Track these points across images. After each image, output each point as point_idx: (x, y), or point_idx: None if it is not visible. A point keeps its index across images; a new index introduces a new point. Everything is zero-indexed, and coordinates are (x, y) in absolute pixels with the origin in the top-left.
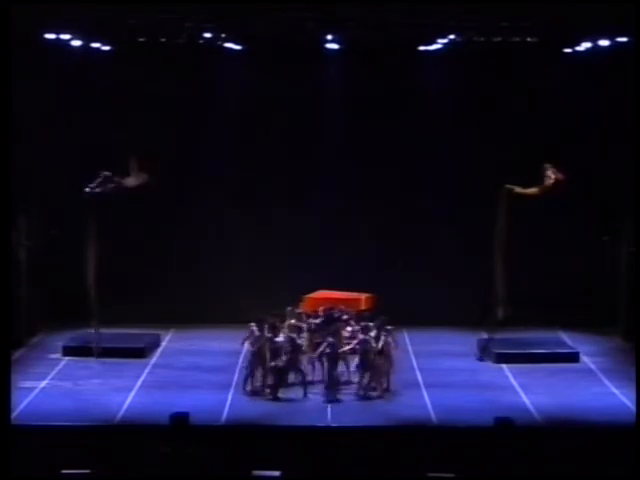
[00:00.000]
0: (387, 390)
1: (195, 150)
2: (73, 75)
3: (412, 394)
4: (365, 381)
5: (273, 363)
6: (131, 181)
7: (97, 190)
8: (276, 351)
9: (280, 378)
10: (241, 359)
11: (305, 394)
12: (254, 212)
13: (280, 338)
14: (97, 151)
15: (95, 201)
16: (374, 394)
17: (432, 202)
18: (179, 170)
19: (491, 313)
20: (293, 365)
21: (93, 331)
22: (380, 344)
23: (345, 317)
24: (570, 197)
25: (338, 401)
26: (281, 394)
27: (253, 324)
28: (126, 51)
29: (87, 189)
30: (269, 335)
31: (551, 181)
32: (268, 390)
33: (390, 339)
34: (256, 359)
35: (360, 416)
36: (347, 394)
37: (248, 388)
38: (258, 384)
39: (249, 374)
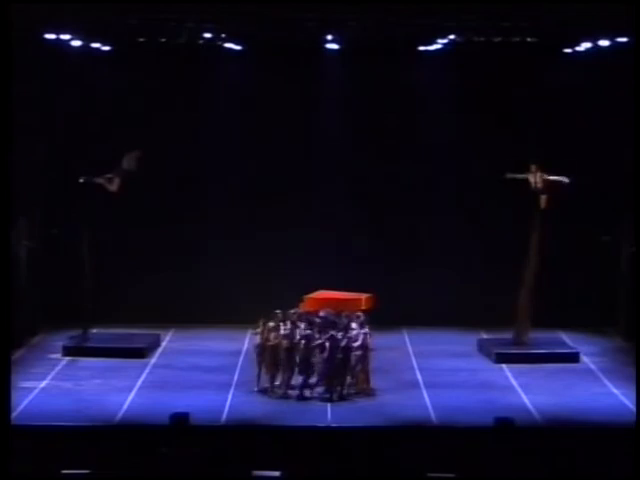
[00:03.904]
0: (366, 390)
1: (195, 150)
2: (73, 75)
3: (412, 394)
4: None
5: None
6: (124, 164)
7: (92, 180)
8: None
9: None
10: (242, 358)
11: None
12: (254, 212)
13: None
14: (97, 151)
15: (89, 192)
16: (350, 392)
17: (432, 202)
18: (179, 169)
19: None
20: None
21: (95, 331)
22: (358, 342)
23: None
24: (570, 197)
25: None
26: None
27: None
28: (126, 51)
29: (81, 180)
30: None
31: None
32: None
33: (369, 339)
34: (269, 357)
35: (360, 416)
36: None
37: (258, 387)
38: (267, 384)
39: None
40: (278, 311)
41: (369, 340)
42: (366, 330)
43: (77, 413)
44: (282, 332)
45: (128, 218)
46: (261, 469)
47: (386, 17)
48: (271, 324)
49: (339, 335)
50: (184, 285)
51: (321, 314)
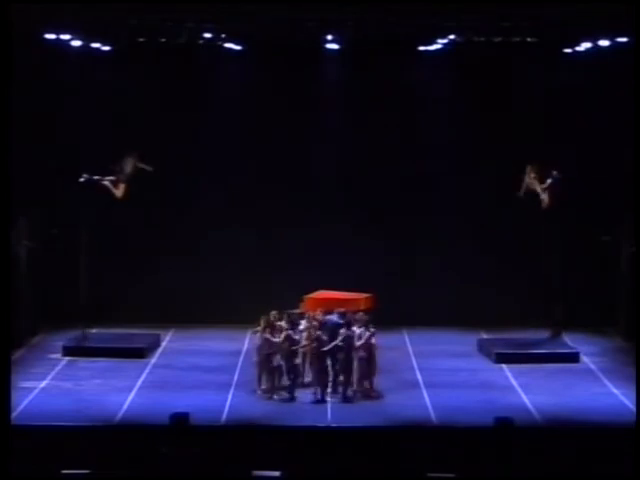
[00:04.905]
0: (370, 391)
1: (195, 150)
2: (73, 75)
3: (412, 394)
4: (344, 380)
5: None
6: (127, 168)
7: (95, 178)
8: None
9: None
10: (242, 358)
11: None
12: (254, 212)
13: (279, 338)
14: (97, 151)
15: (89, 191)
16: (351, 394)
17: (433, 202)
18: (179, 169)
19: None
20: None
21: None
22: (361, 342)
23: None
24: (570, 197)
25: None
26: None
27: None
28: (126, 51)
29: (82, 179)
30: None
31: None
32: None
33: (373, 340)
34: (264, 358)
35: (360, 416)
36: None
37: (261, 387)
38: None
39: (260, 373)
40: (295, 310)
41: (373, 340)
42: (372, 330)
43: (77, 413)
44: (298, 335)
45: (128, 218)
46: (261, 469)
47: (386, 17)
48: (284, 324)
49: (355, 334)
50: (184, 285)
51: (331, 317)
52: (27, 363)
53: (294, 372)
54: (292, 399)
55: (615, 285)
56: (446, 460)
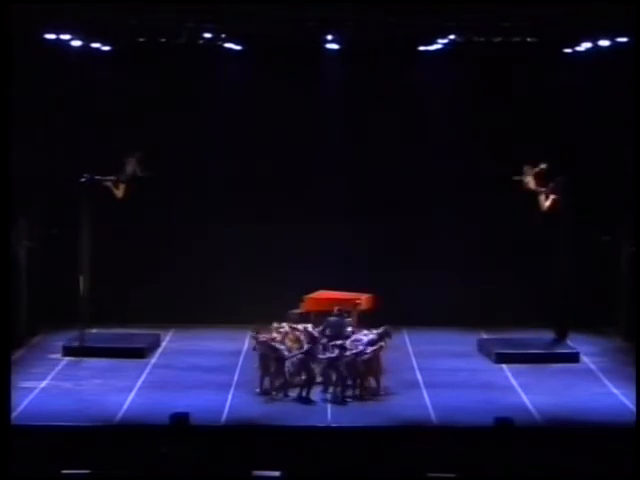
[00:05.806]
0: (375, 393)
1: (195, 150)
2: (73, 75)
3: (412, 394)
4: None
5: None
6: (128, 169)
7: (95, 178)
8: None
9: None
10: (242, 358)
11: (308, 397)
12: (254, 211)
13: (284, 344)
14: (97, 151)
15: (90, 191)
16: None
17: (432, 202)
18: (178, 170)
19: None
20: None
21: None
22: (370, 349)
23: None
24: (570, 197)
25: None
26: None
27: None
28: (126, 51)
29: (83, 179)
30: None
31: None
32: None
33: (382, 343)
34: (264, 361)
35: (360, 416)
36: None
37: (259, 389)
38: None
39: (261, 375)
40: (295, 310)
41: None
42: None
43: (77, 413)
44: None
45: (128, 218)
46: (261, 469)
47: (386, 17)
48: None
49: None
50: (184, 285)
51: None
52: (27, 363)
53: (309, 375)
54: (309, 401)
55: (615, 285)
56: (446, 460)
